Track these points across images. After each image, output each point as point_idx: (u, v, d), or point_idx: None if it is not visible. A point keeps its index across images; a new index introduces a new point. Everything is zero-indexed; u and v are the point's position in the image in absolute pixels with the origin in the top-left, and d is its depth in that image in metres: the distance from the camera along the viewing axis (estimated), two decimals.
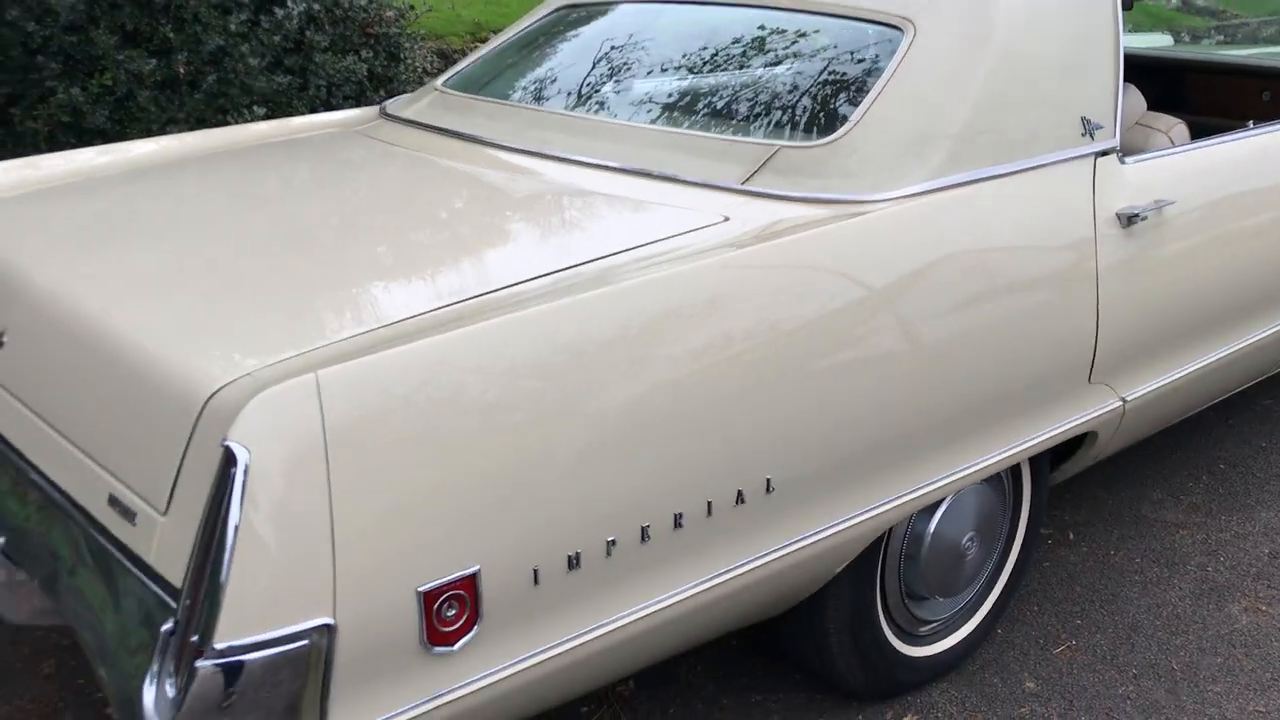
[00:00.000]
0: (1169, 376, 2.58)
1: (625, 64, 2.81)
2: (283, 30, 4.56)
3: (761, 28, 2.66)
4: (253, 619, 1.39)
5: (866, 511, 2.02)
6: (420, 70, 5.37)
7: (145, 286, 1.89)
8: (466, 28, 6.25)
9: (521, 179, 2.38)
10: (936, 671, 2.45)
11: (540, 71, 2.94)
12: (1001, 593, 2.54)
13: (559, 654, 1.65)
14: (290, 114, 4.63)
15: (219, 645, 1.37)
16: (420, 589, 1.50)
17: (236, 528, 1.38)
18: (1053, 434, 2.34)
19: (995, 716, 2.37)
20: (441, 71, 5.71)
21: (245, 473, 1.38)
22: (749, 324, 1.82)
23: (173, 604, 1.47)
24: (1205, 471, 3.34)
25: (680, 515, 1.75)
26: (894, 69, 2.25)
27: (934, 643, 2.44)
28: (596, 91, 2.73)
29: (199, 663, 1.37)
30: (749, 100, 2.45)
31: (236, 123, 4.47)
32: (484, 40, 6.28)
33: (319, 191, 2.46)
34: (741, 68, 2.60)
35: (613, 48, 2.89)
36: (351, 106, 4.81)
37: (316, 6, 4.71)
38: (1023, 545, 2.55)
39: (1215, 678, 2.48)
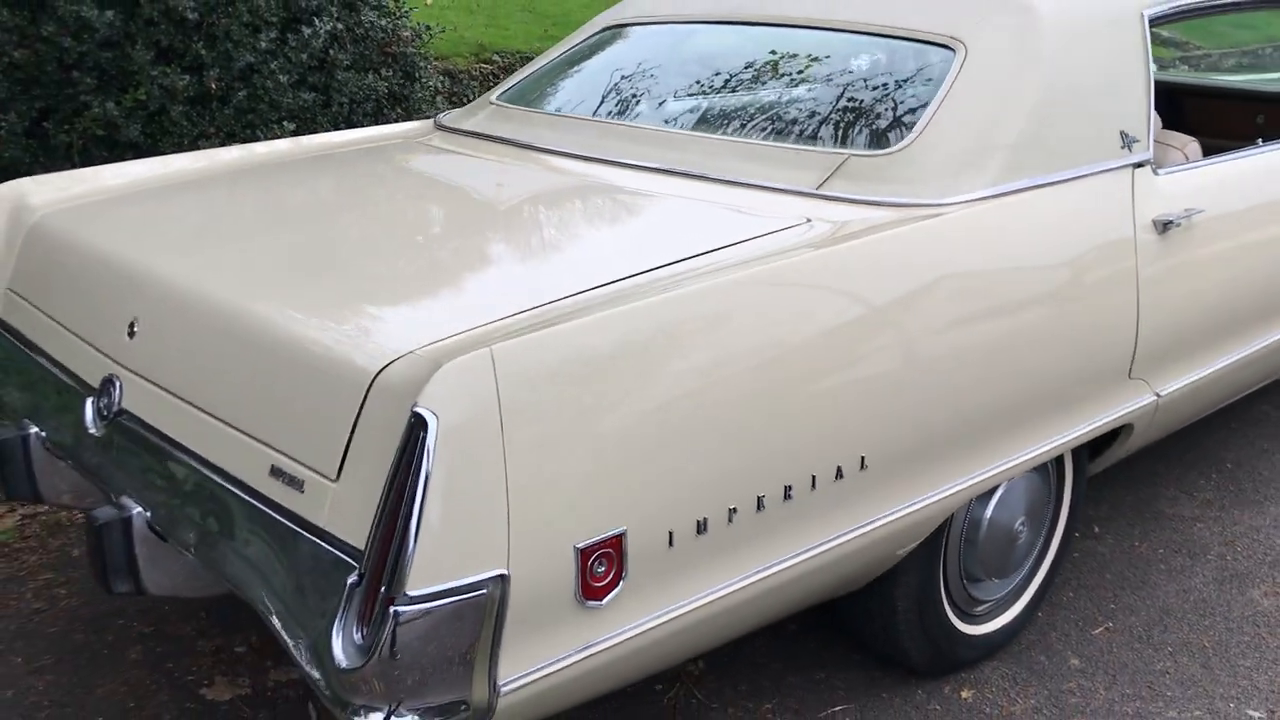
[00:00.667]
0: (1199, 373, 2.76)
1: (685, 80, 2.97)
2: (309, 48, 4.69)
3: (816, 46, 2.83)
4: (439, 569, 1.52)
5: (941, 491, 2.17)
6: (433, 89, 5.51)
7: (284, 277, 2.02)
8: (470, 49, 6.39)
9: (605, 185, 2.53)
10: (989, 649, 2.61)
11: (599, 87, 3.09)
12: (1045, 576, 2.71)
13: (689, 611, 1.79)
14: (316, 130, 4.75)
15: (411, 593, 1.50)
16: (578, 545, 1.63)
17: (425, 486, 1.51)
18: (1097, 425, 2.51)
19: (1044, 690, 2.53)
20: (451, 91, 5.87)
21: (434, 436, 1.51)
22: (844, 313, 1.98)
23: (350, 561, 1.59)
24: (1214, 471, 3.53)
25: (789, 487, 1.90)
26: (950, 85, 2.42)
27: (987, 622, 2.60)
28: (662, 105, 2.89)
29: (393, 608, 1.50)
30: (814, 113, 2.62)
31: (266, 138, 4.58)
32: (488, 61, 6.43)
33: (417, 193, 2.61)
34: (801, 83, 2.76)
35: (670, 65, 3.06)
36: (370, 124, 4.94)
37: (340, 26, 4.84)
38: (1064, 532, 2.72)
39: (1244, 654, 2.65)
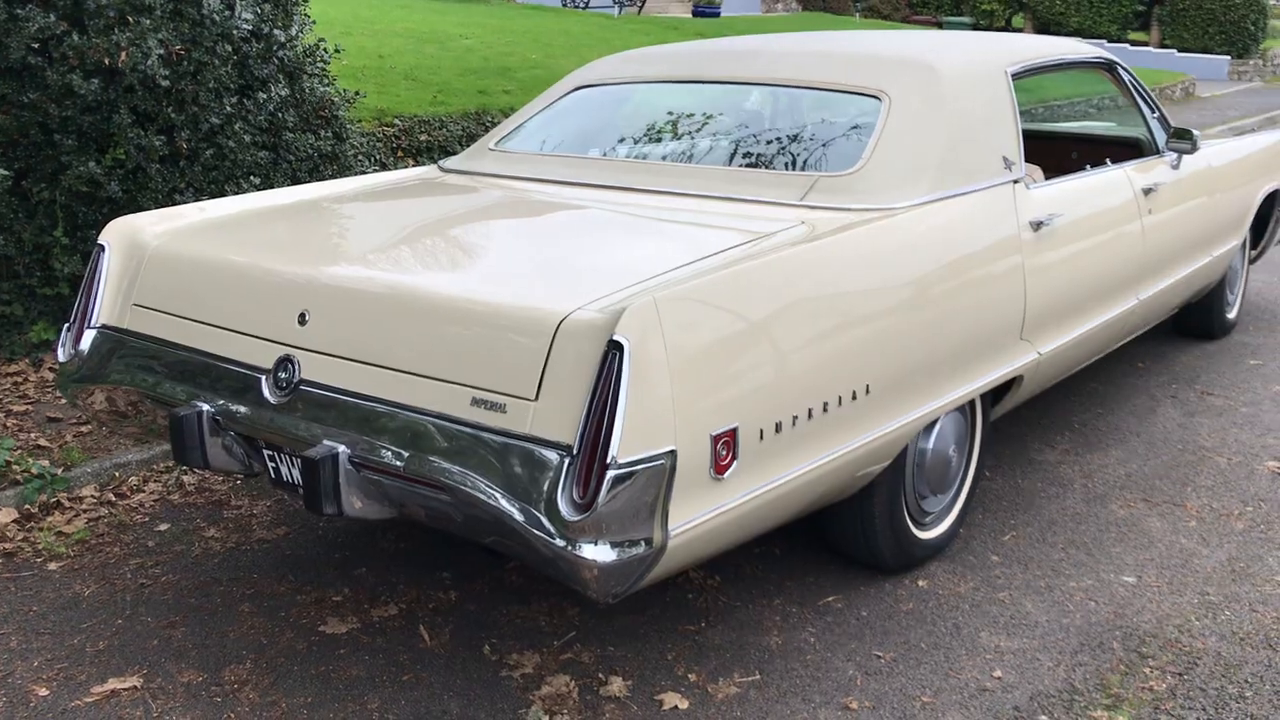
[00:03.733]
0: (1068, 335, 3.66)
1: (664, 127, 3.73)
2: (265, 110, 5.24)
3: (769, 98, 3.65)
4: (634, 445, 2.19)
5: (911, 414, 2.96)
6: (359, 149, 6.10)
7: (443, 264, 2.67)
8: (371, 114, 6.99)
9: (635, 202, 3.24)
10: (935, 550, 3.40)
11: (591, 134, 3.82)
12: (967, 494, 3.52)
13: (777, 486, 2.51)
14: (274, 185, 5.28)
15: (621, 460, 2.17)
16: (711, 434, 2.33)
17: (625, 390, 2.18)
18: (1001, 373, 3.36)
19: (979, 577, 3.33)
20: (370, 150, 6.44)
21: (628, 356, 2.19)
22: (857, 280, 2.79)
23: (557, 451, 2.24)
24: (1066, 429, 4.47)
25: (826, 403, 2.64)
26: (883, 124, 3.26)
27: (933, 529, 3.39)
28: (651, 146, 3.63)
29: (609, 473, 2.16)
30: (782, 147, 3.41)
31: (235, 193, 5.09)
32: (389, 124, 7.03)
33: (489, 210, 3.30)
34: (764, 126, 3.57)
35: (647, 116, 3.81)
36: (316, 178, 5.51)
37: (286, 92, 5.40)
38: (978, 460, 3.55)
39: (1114, 544, 3.53)
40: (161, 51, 4.81)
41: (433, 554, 3.44)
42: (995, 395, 3.57)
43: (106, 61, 4.70)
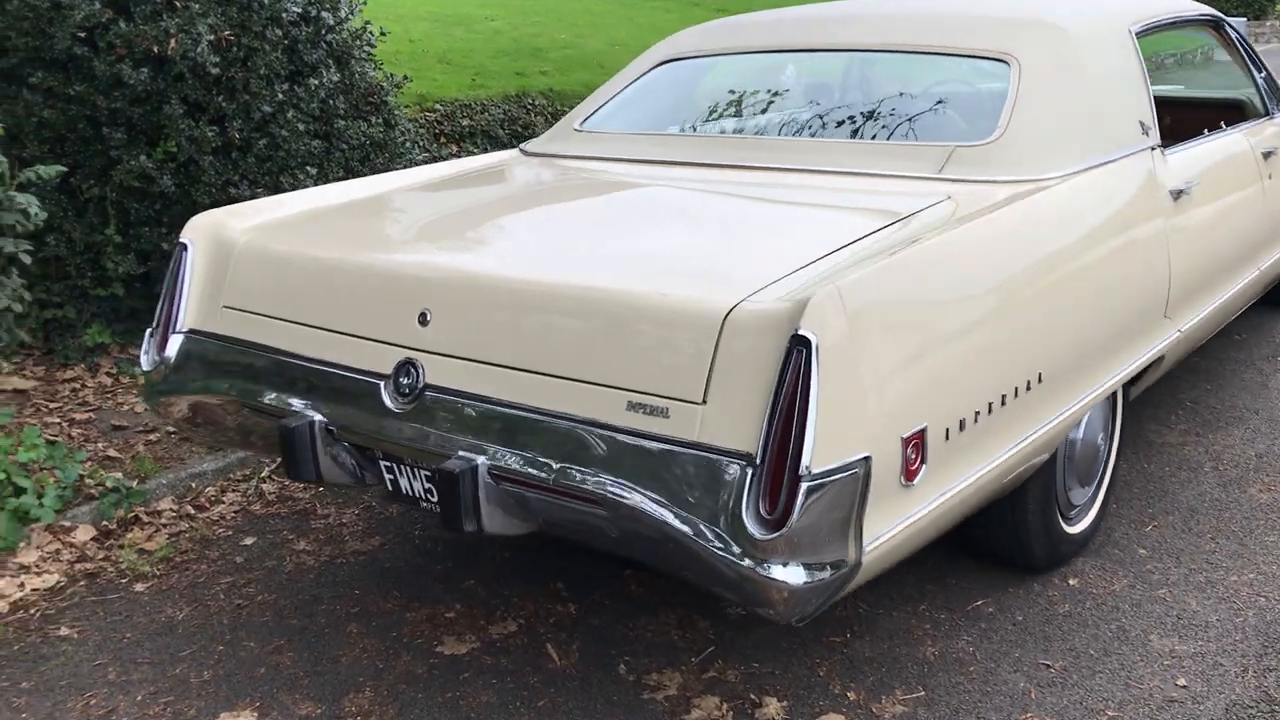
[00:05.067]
0: (1205, 308, 3.43)
1: (766, 98, 3.50)
2: (316, 97, 5.00)
3: (880, 64, 3.40)
4: (827, 453, 1.97)
5: (1076, 401, 2.73)
6: (410, 135, 5.86)
7: (578, 255, 2.44)
8: (411, 99, 6.74)
9: (765, 180, 3.01)
10: (1081, 545, 3.18)
11: (683, 109, 3.58)
12: (1109, 484, 3.30)
13: (961, 487, 2.29)
14: (328, 176, 5.05)
15: (815, 471, 1.94)
16: (901, 436, 2.11)
17: (814, 391, 1.96)
18: (1149, 355, 3.13)
19: (1130, 573, 3.11)
20: (416, 136, 6.19)
21: (815, 352, 1.96)
22: (1022, 258, 2.55)
23: (734, 460, 2.02)
24: (1179, 408, 4.24)
25: (1004, 395, 2.42)
26: (1015, 89, 3.01)
27: (1079, 523, 3.17)
28: (758, 119, 3.40)
29: (803, 485, 1.93)
30: (909, 116, 3.17)
31: (291, 184, 4.86)
32: (430, 109, 6.80)
33: (608, 191, 3.07)
34: (884, 95, 3.32)
35: (746, 87, 3.58)
36: (367, 169, 5.28)
37: (338, 77, 5.16)
38: (1118, 447, 3.32)
39: (1266, 531, 3.31)
40: (211, 37, 4.58)
41: (542, 563, 3.23)
42: (1133, 378, 3.34)
43: (155, 49, 4.47)
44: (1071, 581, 3.07)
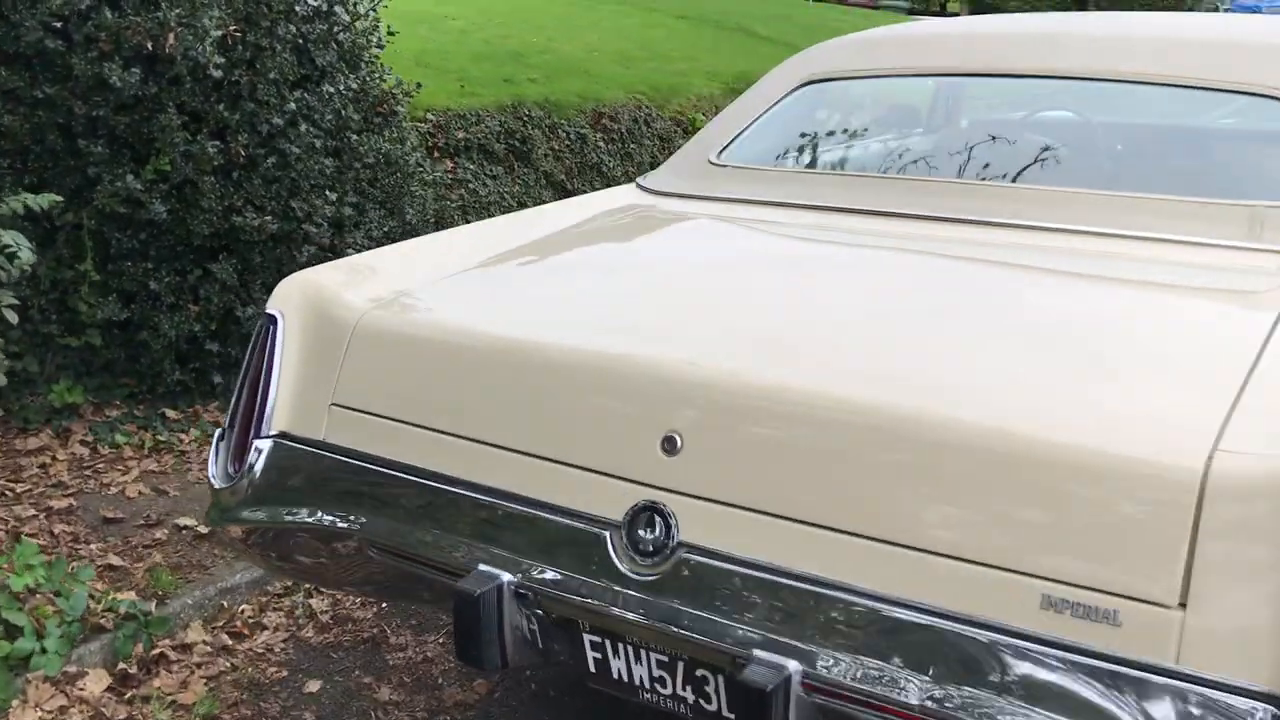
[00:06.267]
0: None
1: (974, 133, 2.84)
2: (331, 106, 4.20)
3: (1109, 98, 2.77)
4: None
5: None
6: (420, 150, 5.08)
7: (908, 359, 1.74)
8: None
9: (1016, 243, 2.35)
10: None
11: (852, 142, 2.92)
12: None
13: None
14: (344, 201, 4.26)
15: None
16: None
17: None
18: None
19: None
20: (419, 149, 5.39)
21: None
22: None
23: (1250, 702, 1.36)
24: None
25: None
26: None
27: None
28: (968, 159, 2.73)
29: None
30: (1170, 164, 2.54)
31: (304, 210, 4.06)
32: (421, 120, 6.01)
33: (837, 258, 2.35)
34: (1128, 137, 2.69)
35: (936, 118, 2.92)
36: (374, 190, 4.49)
37: (356, 85, 4.38)
38: None
39: None
40: (219, 32, 3.76)
41: None
42: None
43: (149, 46, 3.64)
44: None
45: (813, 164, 2.92)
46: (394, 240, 4.61)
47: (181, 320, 3.85)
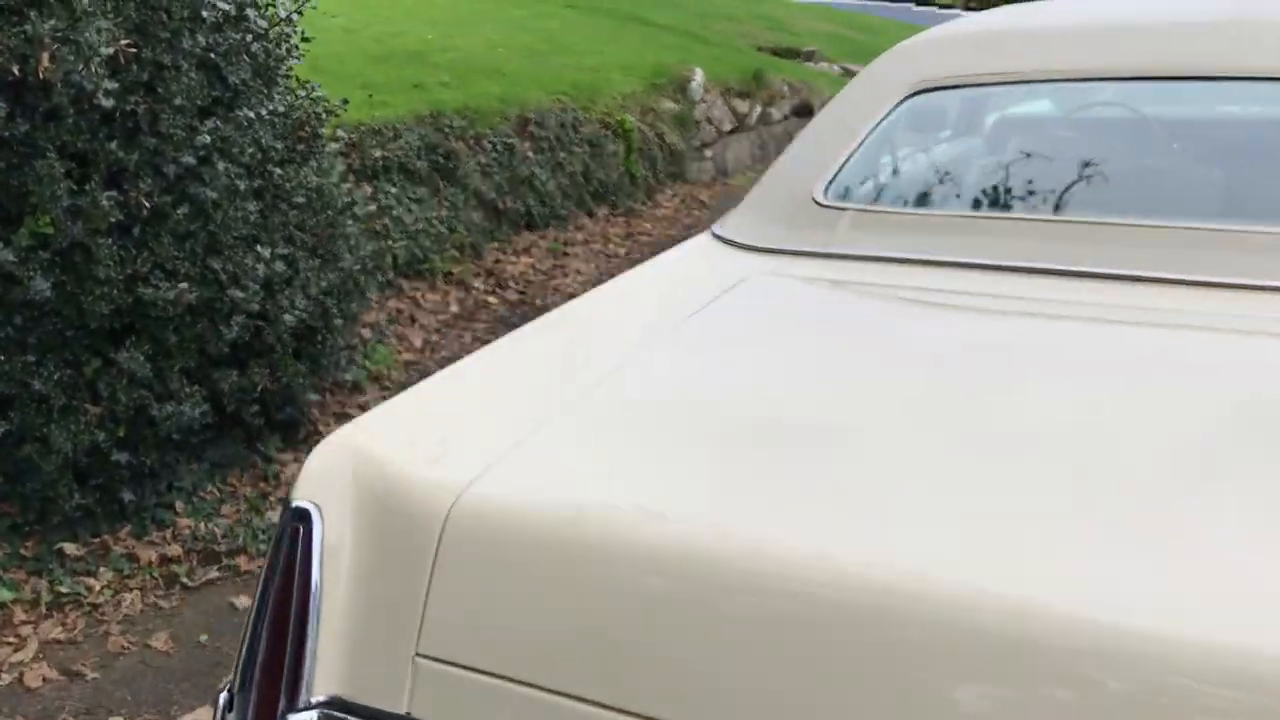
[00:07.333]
0: None
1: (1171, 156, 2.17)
2: (250, 135, 3.33)
3: None
4: None
5: None
6: (342, 178, 4.21)
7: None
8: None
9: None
10: None
11: (997, 170, 2.22)
12: None
13: None
14: (273, 253, 3.38)
15: None
16: None
17: None
18: None
19: None
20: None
21: None
22: None
23: None
24: None
25: None
26: None
27: None
28: (1176, 197, 2.06)
29: None
30: None
31: (230, 275, 3.18)
32: (334, 139, 5.12)
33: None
34: None
35: (1101, 138, 2.24)
36: (302, 235, 3.63)
37: (281, 107, 3.52)
38: None
39: None
40: (109, 50, 2.87)
41: None
42: None
43: (15, 70, 2.73)
44: None
45: (954, 204, 2.21)
46: (337, 298, 3.75)
47: (78, 428, 2.94)
